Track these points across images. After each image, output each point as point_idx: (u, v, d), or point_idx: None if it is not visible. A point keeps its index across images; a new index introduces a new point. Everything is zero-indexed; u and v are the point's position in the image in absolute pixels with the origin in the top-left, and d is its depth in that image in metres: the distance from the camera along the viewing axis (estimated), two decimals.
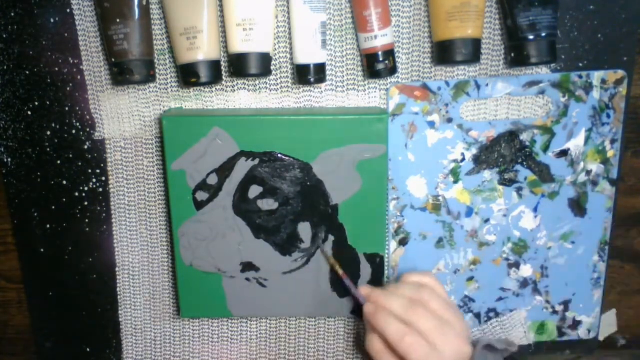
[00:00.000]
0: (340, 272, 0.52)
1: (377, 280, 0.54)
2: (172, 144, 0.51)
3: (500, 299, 0.58)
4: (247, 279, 0.54)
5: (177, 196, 0.52)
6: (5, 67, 0.53)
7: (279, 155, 0.51)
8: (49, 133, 0.55)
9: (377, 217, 0.53)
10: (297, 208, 0.52)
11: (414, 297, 0.48)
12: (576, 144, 0.54)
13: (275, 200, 0.52)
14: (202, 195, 0.52)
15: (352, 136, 0.50)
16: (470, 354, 0.47)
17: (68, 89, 0.54)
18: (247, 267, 0.54)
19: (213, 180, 0.51)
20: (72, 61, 0.53)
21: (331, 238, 0.53)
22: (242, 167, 0.51)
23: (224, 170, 0.51)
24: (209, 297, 0.55)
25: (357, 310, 0.55)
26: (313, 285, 0.54)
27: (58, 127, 0.55)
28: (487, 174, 0.55)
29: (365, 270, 0.54)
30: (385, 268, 0.55)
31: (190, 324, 0.60)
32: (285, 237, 0.53)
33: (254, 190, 0.52)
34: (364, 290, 0.51)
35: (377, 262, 0.54)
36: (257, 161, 0.51)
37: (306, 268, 0.54)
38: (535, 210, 0.56)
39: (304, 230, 0.53)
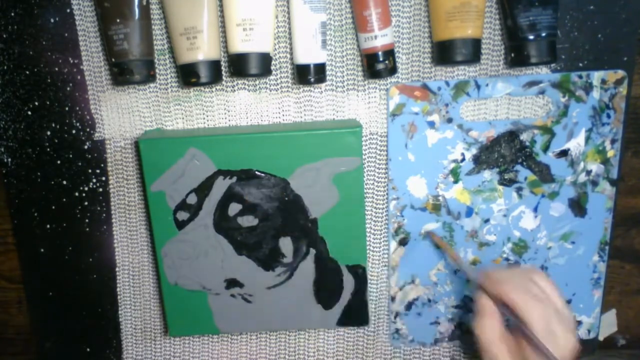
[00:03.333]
0: (458, 258, 0.53)
1: (361, 291, 0.55)
2: (150, 166, 0.52)
3: None
4: (232, 295, 0.55)
5: (158, 217, 0.53)
6: (5, 67, 0.53)
7: (256, 172, 0.52)
8: (49, 133, 0.55)
9: (356, 229, 0.53)
10: (277, 223, 0.53)
11: (529, 277, 0.47)
12: (576, 144, 0.54)
13: (255, 217, 0.53)
14: (182, 215, 0.53)
15: (327, 150, 0.51)
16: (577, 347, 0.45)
17: (68, 89, 0.54)
18: (232, 283, 0.54)
19: (192, 199, 0.52)
20: (72, 61, 0.53)
21: (312, 251, 0.54)
22: (220, 186, 0.52)
23: (203, 190, 0.52)
24: (195, 314, 0.55)
25: (345, 320, 0.56)
26: (298, 299, 0.55)
27: (58, 127, 0.55)
28: (487, 174, 0.55)
29: (348, 281, 0.55)
30: (369, 279, 0.56)
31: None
32: (267, 253, 0.53)
33: (234, 208, 0.52)
34: (481, 274, 0.49)
35: (359, 273, 0.55)
36: (234, 179, 0.52)
37: (290, 282, 0.55)
38: (535, 210, 0.56)
39: (285, 244, 0.53)
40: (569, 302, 0.58)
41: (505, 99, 0.54)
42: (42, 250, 0.58)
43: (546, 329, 0.43)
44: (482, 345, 0.46)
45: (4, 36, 0.53)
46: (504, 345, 0.45)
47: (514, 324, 0.46)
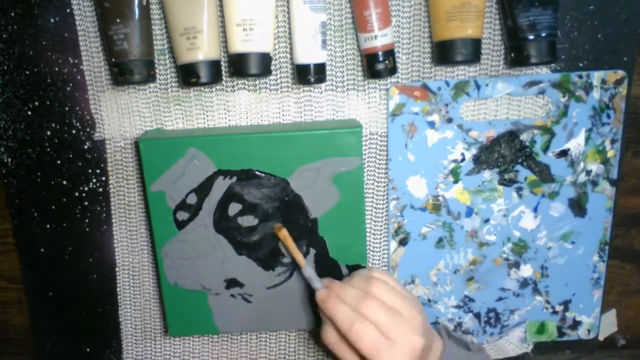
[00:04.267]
0: (300, 258, 0.52)
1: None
2: (150, 166, 0.52)
3: (500, 299, 0.58)
4: (232, 295, 0.55)
5: (158, 217, 0.53)
6: (5, 67, 0.53)
7: (256, 172, 0.52)
8: (49, 133, 0.55)
9: (356, 229, 0.53)
10: (277, 223, 0.52)
11: (365, 288, 0.48)
12: (576, 144, 0.54)
13: (255, 217, 0.53)
14: (182, 215, 0.53)
15: (327, 150, 0.51)
16: (422, 345, 0.46)
17: (68, 89, 0.54)
18: (231, 283, 0.54)
19: (192, 199, 0.52)
20: (72, 61, 0.53)
21: (312, 251, 0.54)
22: (220, 186, 0.52)
23: (203, 190, 0.52)
24: (195, 314, 0.55)
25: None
26: (298, 299, 0.55)
27: (58, 127, 0.55)
28: (487, 174, 0.55)
29: None
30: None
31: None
32: (267, 253, 0.53)
33: (234, 208, 0.52)
34: (324, 281, 0.51)
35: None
36: (234, 179, 0.52)
37: (290, 282, 0.55)
38: (535, 210, 0.56)
39: None
40: (569, 302, 0.58)
41: (505, 99, 0.54)
42: (42, 250, 0.58)
43: (374, 350, 0.45)
44: (327, 347, 0.49)
45: (4, 36, 0.53)
46: (344, 345, 0.48)
47: None
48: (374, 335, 0.45)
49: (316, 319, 0.56)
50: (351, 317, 0.46)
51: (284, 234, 0.52)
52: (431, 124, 0.54)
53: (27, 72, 0.53)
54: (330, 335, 0.48)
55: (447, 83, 0.53)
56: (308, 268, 0.51)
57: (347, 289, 0.48)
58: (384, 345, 0.45)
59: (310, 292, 0.55)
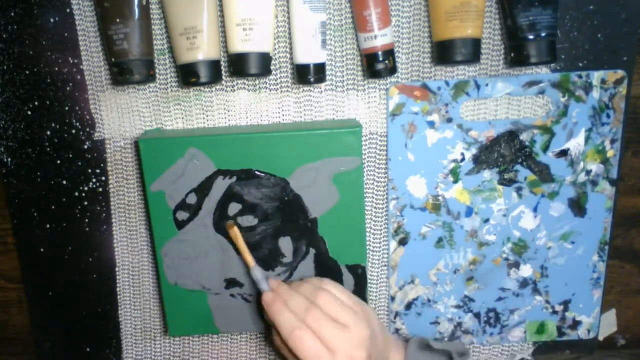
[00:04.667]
0: (248, 257, 0.52)
1: (361, 291, 0.55)
2: (150, 166, 0.52)
3: (500, 299, 0.58)
4: (232, 295, 0.55)
5: (158, 217, 0.53)
6: (5, 67, 0.53)
7: (256, 172, 0.52)
8: (49, 133, 0.55)
9: (356, 229, 0.53)
10: (277, 223, 0.53)
11: (312, 298, 0.48)
12: (576, 144, 0.54)
13: (255, 217, 0.53)
14: (182, 215, 0.53)
15: (327, 150, 0.51)
16: None
17: (68, 89, 0.54)
18: (231, 283, 0.55)
19: (192, 199, 0.52)
20: (72, 61, 0.53)
21: (312, 251, 0.54)
22: (220, 186, 0.52)
23: (203, 190, 0.52)
24: (195, 314, 0.55)
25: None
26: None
27: (58, 127, 0.55)
28: (487, 174, 0.55)
29: (348, 281, 0.55)
30: (369, 279, 0.56)
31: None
32: (267, 253, 0.54)
33: (234, 208, 0.52)
34: (273, 282, 0.51)
35: (359, 273, 0.55)
36: (234, 179, 0.52)
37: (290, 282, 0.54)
38: (535, 210, 0.56)
39: (285, 244, 0.54)
40: (568, 302, 0.58)
41: (505, 99, 0.54)
42: (42, 250, 0.58)
43: (315, 355, 0.46)
44: (276, 349, 0.51)
45: (4, 36, 0.53)
46: (287, 350, 0.48)
47: None
48: (314, 344, 0.46)
49: None
50: (293, 323, 0.46)
51: (235, 232, 0.52)
52: (431, 124, 0.54)
53: (27, 72, 0.53)
54: (276, 339, 0.49)
55: (447, 83, 0.53)
56: (257, 269, 0.51)
57: (294, 296, 0.49)
58: (324, 355, 0.46)
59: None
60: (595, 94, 0.53)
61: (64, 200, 0.56)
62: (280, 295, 0.49)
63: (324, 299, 0.48)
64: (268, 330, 0.57)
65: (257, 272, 0.51)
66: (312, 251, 0.54)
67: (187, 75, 0.50)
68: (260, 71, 0.50)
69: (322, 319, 0.47)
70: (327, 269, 0.54)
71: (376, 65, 0.50)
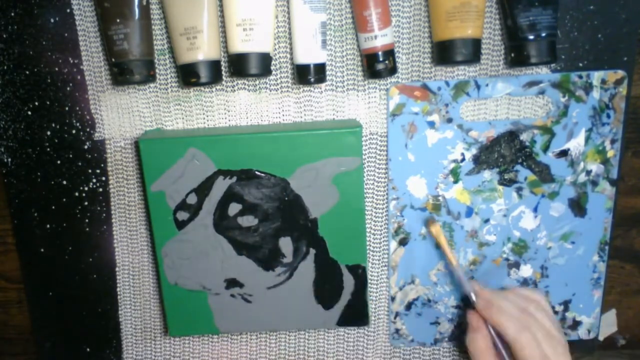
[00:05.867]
0: (454, 262, 0.54)
1: (361, 291, 0.55)
2: (150, 166, 0.52)
3: None
4: (232, 295, 0.55)
5: (158, 217, 0.53)
6: (5, 67, 0.53)
7: (256, 172, 0.52)
8: (49, 133, 0.55)
9: (356, 229, 0.53)
10: (277, 223, 0.53)
11: (523, 306, 0.50)
12: (576, 144, 0.54)
13: (255, 217, 0.53)
14: (182, 215, 0.53)
15: (327, 150, 0.51)
16: None
17: (68, 89, 0.54)
18: (231, 283, 0.54)
19: (192, 199, 0.52)
20: (72, 61, 0.53)
21: (312, 251, 0.54)
22: (220, 186, 0.52)
23: (203, 190, 0.52)
24: (195, 314, 0.55)
25: (343, 321, 0.56)
26: (298, 299, 0.55)
27: (58, 127, 0.55)
28: (487, 174, 0.55)
29: (348, 281, 0.55)
30: (369, 279, 0.56)
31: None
32: (267, 253, 0.53)
33: (234, 208, 0.52)
34: (475, 285, 0.53)
35: (359, 273, 0.55)
36: (234, 179, 0.52)
37: (290, 282, 0.55)
38: (535, 210, 0.56)
39: (285, 244, 0.53)
40: (568, 302, 0.58)
41: (505, 99, 0.54)
42: (42, 250, 0.58)
43: (537, 354, 0.47)
44: (473, 356, 0.51)
45: (4, 36, 0.53)
46: (491, 354, 0.50)
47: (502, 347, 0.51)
48: (537, 347, 0.47)
49: (315, 319, 0.56)
50: (519, 326, 0.48)
51: (437, 229, 0.53)
52: (431, 124, 0.54)
53: (27, 72, 0.53)
54: (480, 343, 0.50)
55: (447, 83, 0.53)
56: (459, 269, 0.53)
57: (506, 302, 0.51)
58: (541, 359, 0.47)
59: (311, 292, 0.55)
60: (595, 94, 0.53)
61: (64, 200, 0.56)
62: (491, 301, 0.51)
63: (535, 309, 0.50)
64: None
65: (461, 273, 0.53)
66: (312, 251, 0.54)
67: (187, 75, 0.50)
68: (260, 71, 0.50)
69: (536, 327, 0.49)
70: (327, 269, 0.54)
71: (376, 65, 0.50)
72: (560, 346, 0.48)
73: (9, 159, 0.55)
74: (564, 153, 0.55)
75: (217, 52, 0.51)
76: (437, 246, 0.55)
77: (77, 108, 0.54)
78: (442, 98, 0.53)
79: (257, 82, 0.54)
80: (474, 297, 0.52)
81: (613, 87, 0.53)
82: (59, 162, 0.55)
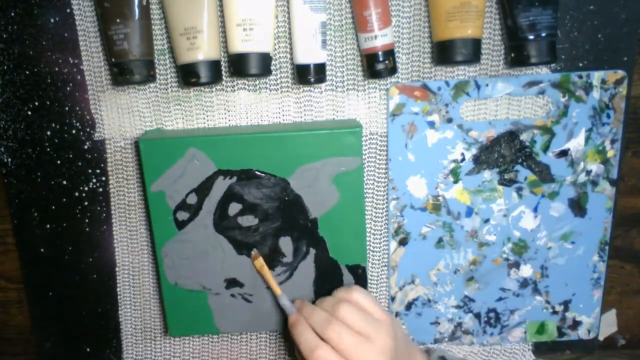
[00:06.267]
0: (274, 285, 0.53)
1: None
2: (150, 166, 0.52)
3: (500, 299, 0.58)
4: (232, 295, 0.55)
5: (158, 217, 0.53)
6: (5, 67, 0.53)
7: (256, 172, 0.52)
8: (49, 133, 0.55)
9: (356, 229, 0.53)
10: (276, 223, 0.53)
11: (333, 312, 0.48)
12: (576, 144, 0.54)
13: (255, 217, 0.53)
14: (182, 215, 0.53)
15: (327, 150, 0.51)
16: None
17: (68, 89, 0.54)
18: (232, 283, 0.54)
19: (192, 199, 0.52)
20: (72, 61, 0.53)
21: (312, 251, 0.54)
22: (220, 186, 0.52)
23: (203, 190, 0.52)
24: (195, 314, 0.55)
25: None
26: (298, 299, 0.55)
27: (58, 127, 0.55)
28: (487, 174, 0.55)
29: (348, 281, 0.55)
30: (369, 279, 0.56)
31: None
32: (267, 252, 0.53)
33: (234, 208, 0.52)
34: (297, 303, 0.52)
35: (359, 273, 0.55)
36: (234, 179, 0.52)
37: (290, 282, 0.55)
38: (535, 210, 0.56)
39: (285, 244, 0.54)
40: (569, 302, 0.58)
41: (505, 99, 0.54)
42: (42, 250, 0.58)
43: None
44: None
45: (4, 36, 0.53)
46: None
47: None
48: None
49: None
50: (312, 343, 0.46)
51: (260, 262, 0.53)
52: (431, 124, 0.54)
53: (27, 72, 0.53)
54: (299, 358, 0.49)
55: (447, 83, 0.53)
56: (284, 297, 0.53)
57: (315, 313, 0.49)
58: None
59: (312, 292, 0.55)
60: (595, 94, 0.53)
61: (64, 200, 0.56)
62: (302, 315, 0.49)
63: (344, 310, 0.48)
64: (270, 332, 0.57)
65: (284, 300, 0.52)
66: (312, 251, 0.54)
67: (187, 75, 0.50)
68: (260, 71, 0.50)
69: (343, 332, 0.46)
70: (327, 269, 0.54)
71: (376, 65, 0.50)
72: (369, 346, 0.46)
73: (9, 159, 0.55)
74: (564, 153, 0.55)
75: (217, 52, 0.51)
76: (262, 276, 0.54)
77: (77, 108, 0.54)
78: (442, 98, 0.53)
79: (257, 82, 0.54)
80: (289, 317, 0.51)
81: (613, 87, 0.53)
82: (59, 162, 0.55)
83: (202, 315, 0.55)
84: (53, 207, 0.56)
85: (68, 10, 0.52)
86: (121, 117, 0.54)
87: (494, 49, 0.53)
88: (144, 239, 0.57)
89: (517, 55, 0.50)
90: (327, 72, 0.53)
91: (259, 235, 0.53)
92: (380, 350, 0.47)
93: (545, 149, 0.54)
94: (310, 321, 0.48)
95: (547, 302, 0.58)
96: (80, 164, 0.55)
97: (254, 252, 0.53)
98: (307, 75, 0.51)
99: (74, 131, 0.55)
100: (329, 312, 0.48)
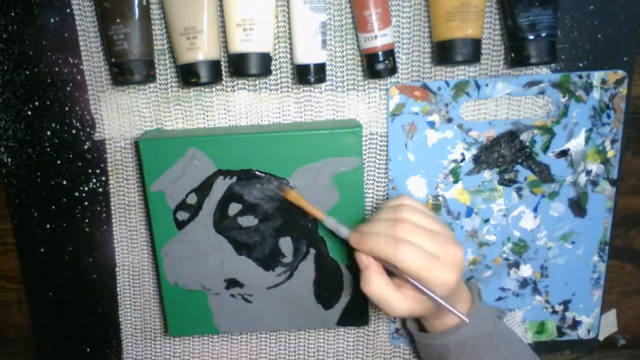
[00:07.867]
0: (321, 215, 0.50)
1: (361, 291, 0.55)
2: (150, 166, 0.52)
3: (500, 298, 0.58)
4: (232, 295, 0.55)
5: (158, 217, 0.53)
6: (5, 67, 0.53)
7: (256, 172, 0.52)
8: (49, 133, 0.55)
9: None
10: (277, 223, 0.53)
11: (395, 216, 0.46)
12: (576, 144, 0.54)
13: (255, 217, 0.53)
14: (182, 215, 0.53)
15: (327, 150, 0.51)
16: (463, 256, 0.45)
17: (68, 89, 0.54)
18: (231, 283, 0.55)
19: (192, 199, 0.52)
20: (72, 61, 0.53)
21: (312, 251, 0.54)
22: (220, 186, 0.52)
23: (203, 190, 0.52)
24: (195, 314, 0.55)
25: (346, 319, 0.55)
26: (298, 299, 0.55)
27: (58, 127, 0.55)
28: (487, 174, 0.55)
29: (348, 281, 0.55)
30: None
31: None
32: (267, 253, 0.53)
33: (234, 208, 0.52)
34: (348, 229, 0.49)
35: (359, 273, 0.54)
36: (234, 179, 0.52)
37: (290, 282, 0.55)
38: (535, 210, 0.56)
39: (285, 244, 0.53)
40: (568, 302, 0.58)
41: (505, 99, 0.54)
42: (42, 250, 0.58)
43: (422, 268, 0.43)
44: (374, 298, 0.46)
45: (4, 36, 0.53)
46: (394, 292, 0.46)
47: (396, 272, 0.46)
48: (419, 252, 0.43)
49: (315, 319, 0.56)
50: (392, 240, 0.44)
51: (295, 195, 0.51)
52: (431, 124, 0.54)
53: (27, 72, 0.53)
54: (374, 282, 0.45)
55: (447, 83, 0.53)
56: (329, 219, 0.50)
57: (378, 223, 0.46)
58: (430, 261, 0.44)
59: (311, 292, 0.55)
60: (596, 94, 0.53)
61: (64, 200, 0.56)
62: (362, 230, 0.47)
63: (407, 211, 0.46)
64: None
65: (331, 221, 0.50)
66: (312, 251, 0.54)
67: (187, 75, 0.50)
68: (260, 71, 0.50)
69: (413, 228, 0.45)
70: (327, 269, 0.54)
71: (376, 65, 0.50)
72: (441, 237, 0.45)
73: (9, 159, 0.55)
74: (564, 153, 0.55)
75: (217, 52, 0.51)
76: (299, 208, 0.51)
77: (77, 108, 0.54)
78: (442, 98, 0.53)
79: (257, 82, 0.54)
80: (349, 238, 0.48)
81: (613, 87, 0.53)
82: (59, 162, 0.55)
83: (202, 315, 0.55)
84: (53, 207, 0.56)
85: (68, 10, 0.52)
86: (121, 117, 0.54)
87: (494, 49, 0.53)
88: (144, 239, 0.57)
89: (517, 55, 0.50)
90: (327, 72, 0.53)
91: (259, 236, 0.53)
92: (450, 239, 0.46)
93: (545, 149, 0.54)
94: (375, 230, 0.46)
95: (547, 302, 0.58)
96: (80, 164, 0.55)
97: (283, 186, 0.51)
98: (307, 75, 0.51)
99: (74, 131, 0.55)
100: (391, 217, 0.46)
